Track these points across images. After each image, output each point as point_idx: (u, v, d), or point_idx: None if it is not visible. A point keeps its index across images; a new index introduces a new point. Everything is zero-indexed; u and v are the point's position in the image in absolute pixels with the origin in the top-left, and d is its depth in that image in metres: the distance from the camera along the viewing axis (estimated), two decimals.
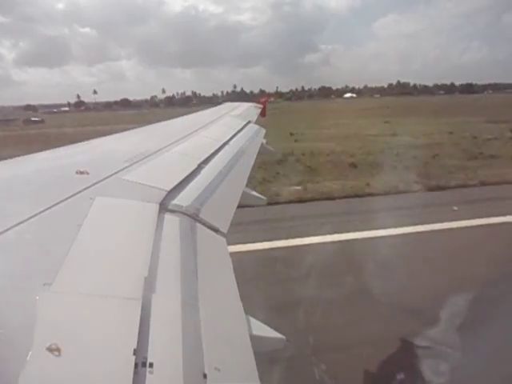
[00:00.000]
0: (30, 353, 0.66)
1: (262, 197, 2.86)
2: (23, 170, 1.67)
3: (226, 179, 2.07)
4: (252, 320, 1.05)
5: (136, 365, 0.69)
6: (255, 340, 0.93)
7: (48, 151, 2.02)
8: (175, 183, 1.61)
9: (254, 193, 2.79)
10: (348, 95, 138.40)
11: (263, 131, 4.76)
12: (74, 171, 1.51)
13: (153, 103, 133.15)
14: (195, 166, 1.98)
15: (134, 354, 0.70)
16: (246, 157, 2.93)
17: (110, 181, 1.49)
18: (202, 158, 2.19)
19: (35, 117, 70.35)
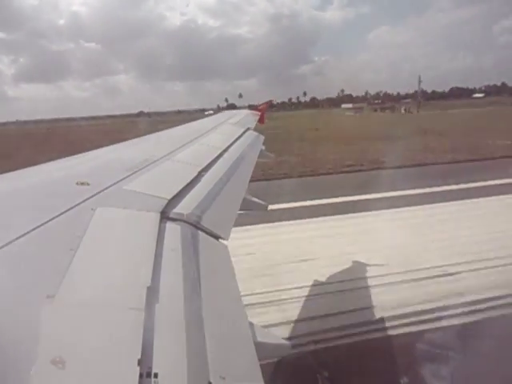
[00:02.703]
0: (34, 366, 0.66)
1: (263, 203, 2.85)
2: (24, 182, 1.67)
3: (226, 186, 2.07)
4: (256, 327, 1.04)
5: (141, 375, 0.69)
6: (260, 347, 0.93)
7: (48, 163, 2.03)
8: (176, 191, 1.62)
9: (255, 199, 2.79)
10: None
11: (262, 138, 4.78)
12: (74, 182, 1.52)
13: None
14: (195, 174, 1.98)
15: (139, 364, 0.70)
16: (246, 163, 2.93)
17: (110, 191, 1.50)
18: (202, 166, 2.20)
19: None
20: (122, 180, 1.65)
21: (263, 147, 4.43)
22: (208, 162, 2.36)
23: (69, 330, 0.77)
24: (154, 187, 1.62)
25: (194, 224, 1.42)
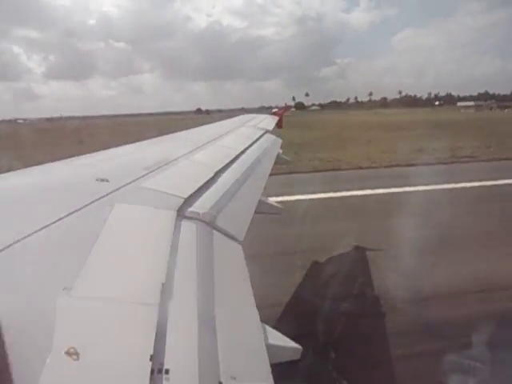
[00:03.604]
0: (49, 356, 0.67)
1: (279, 206, 2.84)
2: (46, 176, 1.71)
3: (242, 187, 2.07)
4: (268, 329, 1.03)
5: (152, 371, 0.69)
6: (271, 349, 0.91)
7: (69, 159, 2.08)
8: (192, 191, 1.63)
9: (271, 201, 2.79)
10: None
11: (279, 141, 4.77)
12: (94, 178, 1.55)
13: None
14: (212, 174, 1.99)
15: (151, 359, 0.70)
16: (263, 166, 2.93)
17: (129, 188, 1.52)
18: (219, 167, 2.21)
19: None
20: (140, 178, 1.67)
21: (281, 151, 4.43)
22: (225, 163, 2.37)
23: (83, 323, 0.78)
24: (171, 186, 1.64)
25: (209, 223, 1.42)
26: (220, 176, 2.07)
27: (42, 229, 1.04)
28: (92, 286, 0.89)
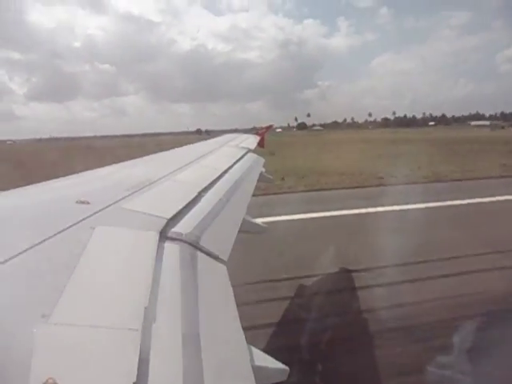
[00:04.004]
0: None
1: (263, 225, 2.85)
2: (25, 199, 1.67)
3: (226, 207, 2.07)
4: (254, 350, 1.02)
5: None
6: (257, 371, 0.90)
7: (49, 181, 2.04)
8: (175, 211, 1.62)
9: (255, 220, 2.79)
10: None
11: (262, 160, 4.83)
12: (74, 200, 1.52)
13: None
14: (195, 194, 1.99)
15: None
16: (246, 185, 2.95)
17: (110, 210, 1.50)
18: (202, 186, 2.21)
19: None
20: (122, 199, 1.65)
21: (263, 169, 4.48)
22: (208, 182, 2.38)
23: (63, 352, 0.75)
24: (153, 206, 1.62)
25: (193, 244, 1.41)
26: (203, 196, 2.06)
27: (19, 254, 1.01)
28: (72, 313, 0.86)
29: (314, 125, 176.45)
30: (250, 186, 3.04)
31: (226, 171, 3.02)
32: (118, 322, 0.86)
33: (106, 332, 0.82)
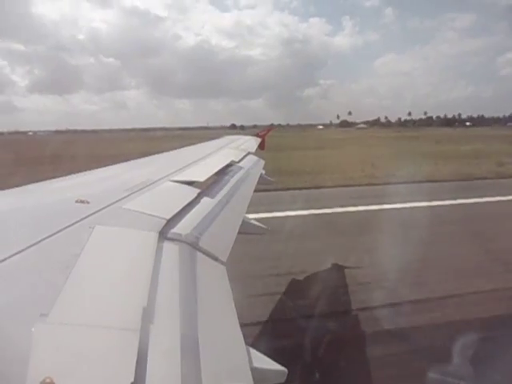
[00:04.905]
0: None
1: (263, 226, 2.85)
2: (25, 199, 1.67)
3: (225, 208, 2.07)
4: (253, 351, 1.01)
5: None
6: (256, 373, 0.90)
7: (49, 181, 2.04)
8: (175, 212, 1.62)
9: (254, 222, 2.79)
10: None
11: (262, 162, 4.83)
12: (74, 200, 1.52)
13: None
14: (195, 195, 1.99)
15: None
16: (246, 186, 2.95)
17: (110, 210, 1.50)
18: (202, 188, 2.21)
19: None
20: (122, 199, 1.65)
21: (263, 171, 4.48)
22: (208, 184, 2.38)
23: (61, 351, 0.75)
24: (153, 207, 1.62)
25: (192, 244, 1.41)
26: (203, 197, 2.07)
27: (18, 252, 1.01)
28: (70, 312, 0.86)
29: (360, 122, 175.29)
30: (250, 187, 3.04)
31: (226, 173, 3.02)
32: (117, 321, 0.86)
33: (104, 332, 0.82)
